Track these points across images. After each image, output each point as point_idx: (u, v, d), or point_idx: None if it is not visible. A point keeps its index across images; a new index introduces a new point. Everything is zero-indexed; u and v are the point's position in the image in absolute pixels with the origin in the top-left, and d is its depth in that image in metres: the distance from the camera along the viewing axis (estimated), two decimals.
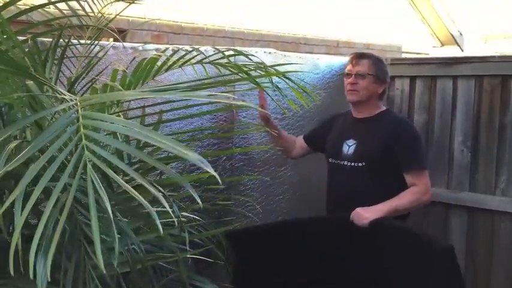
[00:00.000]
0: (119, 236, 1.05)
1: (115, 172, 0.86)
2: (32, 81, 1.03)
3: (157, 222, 0.82)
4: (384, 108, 2.56)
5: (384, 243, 2.23)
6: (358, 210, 2.28)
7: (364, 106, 2.50)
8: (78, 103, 0.85)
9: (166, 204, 0.88)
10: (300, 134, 2.91)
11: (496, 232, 2.95)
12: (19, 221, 0.81)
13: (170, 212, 0.97)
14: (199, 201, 0.86)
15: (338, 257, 2.29)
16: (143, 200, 0.82)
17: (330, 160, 2.56)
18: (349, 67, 2.52)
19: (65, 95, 0.92)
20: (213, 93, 1.13)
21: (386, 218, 2.26)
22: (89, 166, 0.80)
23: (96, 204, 0.80)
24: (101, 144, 0.98)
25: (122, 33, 4.08)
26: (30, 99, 1.09)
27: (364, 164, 2.40)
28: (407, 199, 2.34)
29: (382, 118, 2.50)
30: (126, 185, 0.82)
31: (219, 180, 0.83)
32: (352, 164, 2.43)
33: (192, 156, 0.75)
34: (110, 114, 1.24)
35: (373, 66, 2.47)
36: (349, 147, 2.46)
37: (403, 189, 2.37)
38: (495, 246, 2.96)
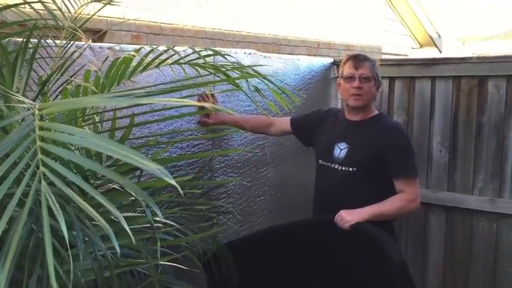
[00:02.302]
0: (85, 242, 1.03)
1: (88, 175, 0.83)
2: None
3: (126, 227, 0.79)
4: (376, 111, 2.52)
5: (356, 251, 2.23)
6: (342, 213, 2.26)
7: (362, 110, 2.44)
8: (36, 111, 0.80)
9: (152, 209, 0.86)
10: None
11: (474, 231, 2.99)
12: None
13: (150, 216, 0.95)
14: (159, 213, 0.83)
15: (323, 262, 2.29)
16: (110, 206, 0.79)
17: (320, 162, 2.51)
18: (351, 70, 2.40)
19: (23, 102, 0.88)
20: (177, 97, 1.10)
21: (368, 222, 2.24)
22: (44, 184, 0.76)
23: (62, 211, 0.76)
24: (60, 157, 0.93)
25: (100, 34, 4.02)
26: None
27: (355, 169, 2.37)
28: (393, 205, 2.32)
29: (375, 122, 2.44)
30: (81, 201, 0.78)
31: (181, 192, 0.80)
32: (343, 168, 2.39)
33: (152, 166, 0.72)
34: (83, 117, 1.21)
35: (374, 68, 2.41)
36: (340, 150, 2.42)
37: (393, 195, 2.36)
38: (473, 244, 2.99)
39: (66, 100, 1.08)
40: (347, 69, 2.42)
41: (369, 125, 2.44)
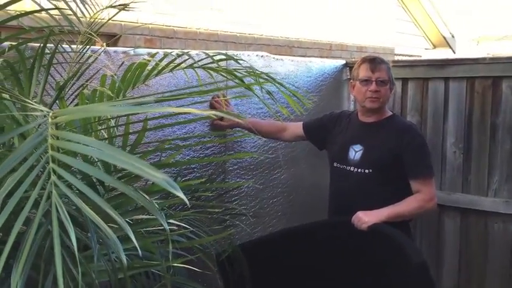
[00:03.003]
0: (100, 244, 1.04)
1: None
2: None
3: (130, 234, 0.80)
4: (390, 113, 2.52)
5: (374, 251, 2.22)
6: (360, 213, 2.26)
7: (377, 112, 2.44)
8: (50, 119, 0.82)
9: (157, 213, 0.87)
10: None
11: (489, 233, 2.96)
12: None
13: (161, 219, 0.96)
14: (163, 222, 0.84)
15: (338, 263, 2.28)
16: (114, 213, 0.80)
17: (335, 164, 2.50)
18: (367, 73, 2.39)
19: (37, 110, 0.89)
20: (190, 101, 1.11)
21: (385, 223, 2.24)
22: (54, 193, 0.77)
23: (78, 213, 0.79)
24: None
25: (114, 38, 4.07)
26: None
27: (370, 170, 2.36)
28: (410, 206, 2.31)
29: (389, 123, 2.44)
30: (88, 209, 0.79)
31: (187, 203, 0.80)
32: (359, 170, 2.39)
33: (159, 177, 0.73)
34: (99, 121, 1.23)
35: (389, 71, 2.43)
36: (355, 152, 2.41)
37: (410, 196, 2.35)
38: (488, 246, 2.97)
39: (79, 107, 1.10)
40: (363, 72, 2.41)
41: (383, 126, 2.44)
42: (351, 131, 2.51)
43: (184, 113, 1.64)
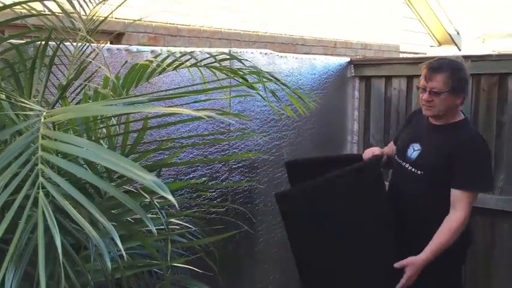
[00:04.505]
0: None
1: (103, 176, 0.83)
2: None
3: (115, 237, 0.78)
4: (461, 117, 2.38)
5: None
6: (415, 265, 2.25)
7: (439, 118, 2.36)
8: (42, 119, 0.80)
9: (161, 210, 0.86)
10: (297, 133, 2.90)
11: (495, 231, 2.94)
12: None
13: (162, 218, 0.96)
14: (150, 224, 0.82)
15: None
16: (101, 216, 0.78)
17: (396, 158, 2.49)
18: (422, 82, 2.31)
19: (32, 109, 0.88)
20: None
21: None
22: (41, 194, 0.76)
23: (75, 210, 0.77)
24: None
25: (113, 35, 4.07)
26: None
27: (422, 172, 2.33)
28: (448, 236, 2.26)
29: (454, 128, 2.34)
30: (75, 212, 0.78)
31: (176, 205, 0.79)
32: (413, 169, 2.37)
33: (148, 179, 0.72)
34: (101, 119, 1.22)
35: (449, 80, 2.25)
36: (414, 151, 2.39)
37: None
38: (495, 244, 2.94)
39: (72, 107, 1.09)
40: (421, 79, 2.34)
41: (447, 130, 2.36)
42: (417, 129, 2.47)
43: (177, 113, 1.62)
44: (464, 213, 2.25)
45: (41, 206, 0.76)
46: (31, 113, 0.88)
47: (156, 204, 1.06)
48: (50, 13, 1.48)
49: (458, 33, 8.41)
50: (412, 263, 2.24)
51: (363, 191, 2.37)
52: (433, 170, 2.31)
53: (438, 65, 2.29)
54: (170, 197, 0.72)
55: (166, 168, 2.37)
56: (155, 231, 0.84)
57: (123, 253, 1.47)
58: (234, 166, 2.72)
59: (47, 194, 0.79)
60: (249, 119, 2.76)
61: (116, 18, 3.89)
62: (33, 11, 1.58)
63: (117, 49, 2.20)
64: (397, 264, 2.27)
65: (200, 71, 1.73)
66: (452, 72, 2.26)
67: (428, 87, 2.27)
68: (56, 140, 0.81)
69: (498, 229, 2.93)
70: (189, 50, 1.78)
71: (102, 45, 1.76)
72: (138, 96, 1.19)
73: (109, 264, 0.83)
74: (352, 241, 2.31)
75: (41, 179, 0.77)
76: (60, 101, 1.35)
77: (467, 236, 2.41)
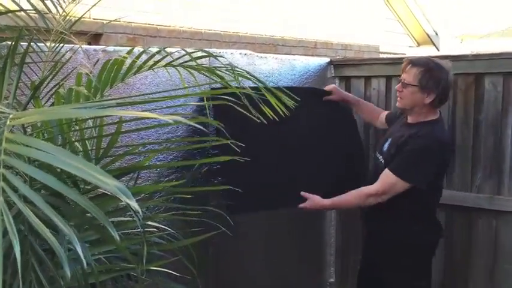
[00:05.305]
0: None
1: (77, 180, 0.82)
2: None
3: (77, 246, 0.76)
4: (432, 118, 2.44)
5: None
6: (310, 203, 2.52)
7: (410, 113, 2.48)
8: (8, 121, 0.78)
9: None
10: None
11: (473, 229, 2.97)
12: None
13: (138, 221, 0.95)
14: (113, 232, 0.81)
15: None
16: (60, 221, 0.77)
17: (376, 153, 2.67)
18: (401, 72, 2.47)
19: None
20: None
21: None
22: (2, 200, 0.73)
23: (56, 212, 0.76)
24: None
25: (88, 35, 4.02)
26: None
27: (383, 162, 2.52)
28: (350, 202, 2.55)
29: (420, 126, 2.42)
30: (35, 218, 0.76)
31: (139, 210, 0.78)
32: (382, 161, 2.54)
33: (110, 184, 0.71)
34: (76, 121, 1.20)
35: (420, 75, 2.35)
36: (387, 145, 2.54)
37: (416, 193, 2.39)
38: (472, 242, 2.98)
39: (39, 110, 1.07)
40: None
41: (414, 127, 2.44)
42: (396, 126, 2.63)
43: (150, 118, 1.59)
44: (379, 188, 2.42)
45: (0, 213, 0.74)
46: None
47: (132, 207, 1.04)
48: (19, 11, 1.45)
49: (436, 34, 8.53)
50: (314, 200, 2.53)
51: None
52: (388, 160, 2.46)
53: (416, 60, 2.41)
54: (132, 202, 0.71)
55: (147, 171, 2.35)
56: (117, 237, 0.82)
57: (102, 257, 1.45)
58: (215, 167, 2.70)
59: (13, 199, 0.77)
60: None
61: (93, 19, 3.84)
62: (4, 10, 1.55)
63: (94, 50, 2.16)
64: (302, 193, 2.54)
65: (178, 71, 1.71)
66: (425, 69, 2.36)
67: (402, 77, 2.44)
68: (20, 143, 0.79)
69: (475, 226, 2.96)
70: (168, 50, 1.76)
71: (77, 45, 1.72)
72: (108, 100, 1.17)
73: (68, 273, 0.81)
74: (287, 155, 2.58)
75: (2, 183, 0.75)
76: (33, 101, 1.32)
77: (436, 229, 2.58)
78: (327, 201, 2.53)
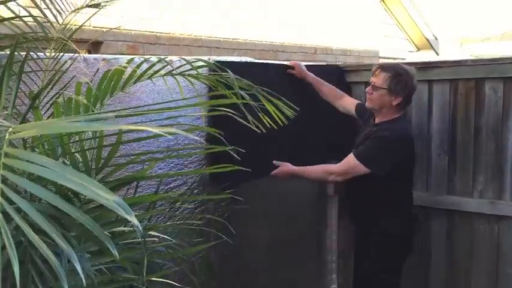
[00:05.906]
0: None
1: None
2: None
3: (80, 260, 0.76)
4: (394, 117, 2.67)
5: None
6: (280, 171, 2.69)
7: (377, 113, 2.70)
8: (7, 135, 0.78)
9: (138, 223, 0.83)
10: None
11: (475, 234, 2.96)
12: None
13: (139, 230, 0.94)
14: (111, 248, 0.81)
15: None
16: (56, 233, 0.76)
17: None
18: (372, 76, 2.69)
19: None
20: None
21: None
22: (0, 216, 0.74)
23: (49, 224, 0.75)
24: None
25: (97, 45, 4.03)
26: None
27: None
28: (314, 175, 2.75)
29: (382, 125, 2.67)
30: (33, 234, 0.76)
31: (139, 226, 0.78)
32: None
33: (110, 200, 0.71)
34: (76, 133, 1.19)
35: (389, 79, 2.59)
36: (357, 141, 2.74)
37: (390, 187, 2.63)
38: (474, 247, 2.97)
39: (37, 123, 1.07)
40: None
41: (377, 126, 2.68)
42: (365, 126, 2.80)
43: (144, 130, 1.59)
44: (339, 168, 2.67)
45: None
46: None
47: (131, 222, 1.04)
48: (14, 18, 1.44)
49: (436, 38, 8.54)
50: (283, 167, 2.71)
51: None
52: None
53: (386, 66, 2.69)
54: (132, 218, 0.71)
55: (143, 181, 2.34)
56: (116, 252, 0.82)
57: (103, 268, 1.44)
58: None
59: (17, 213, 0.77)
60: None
61: (94, 27, 3.85)
62: (7, 22, 1.55)
63: (94, 59, 2.16)
64: (275, 161, 2.72)
65: (177, 80, 1.71)
66: (394, 74, 2.59)
67: (372, 81, 2.65)
68: (19, 158, 0.79)
69: (477, 231, 2.95)
70: (168, 58, 1.76)
71: (77, 54, 1.72)
72: (108, 112, 1.17)
73: (65, 285, 0.81)
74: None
75: (0, 199, 0.75)
76: (32, 111, 1.32)
77: (408, 222, 2.73)
78: (296, 168, 2.70)
